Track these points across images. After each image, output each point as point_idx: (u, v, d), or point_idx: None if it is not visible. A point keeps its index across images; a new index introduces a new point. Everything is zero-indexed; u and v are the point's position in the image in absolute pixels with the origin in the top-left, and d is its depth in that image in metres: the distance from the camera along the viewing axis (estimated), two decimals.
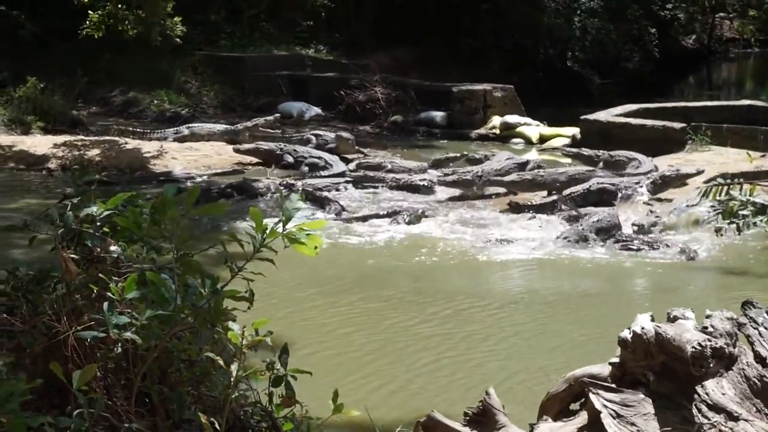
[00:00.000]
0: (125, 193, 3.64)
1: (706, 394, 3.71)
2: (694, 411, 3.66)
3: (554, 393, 4.20)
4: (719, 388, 3.75)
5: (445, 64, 27.83)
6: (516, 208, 13.67)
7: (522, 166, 15.59)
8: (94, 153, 17.09)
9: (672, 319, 3.92)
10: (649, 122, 18.52)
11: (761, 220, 6.34)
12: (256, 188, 14.46)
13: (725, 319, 3.92)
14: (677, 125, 18.03)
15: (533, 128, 20.78)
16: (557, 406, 4.17)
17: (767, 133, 17.58)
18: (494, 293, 10.30)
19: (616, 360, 3.89)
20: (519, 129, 20.86)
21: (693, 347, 3.55)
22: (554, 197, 13.96)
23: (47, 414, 2.91)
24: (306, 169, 16.37)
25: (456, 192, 14.80)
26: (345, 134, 18.65)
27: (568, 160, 17.44)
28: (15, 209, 13.44)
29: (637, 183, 14.36)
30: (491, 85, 22.30)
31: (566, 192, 14.11)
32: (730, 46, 46.42)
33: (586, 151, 17.08)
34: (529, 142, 20.39)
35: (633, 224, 12.44)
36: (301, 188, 13.88)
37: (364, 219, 13.08)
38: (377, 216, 13.21)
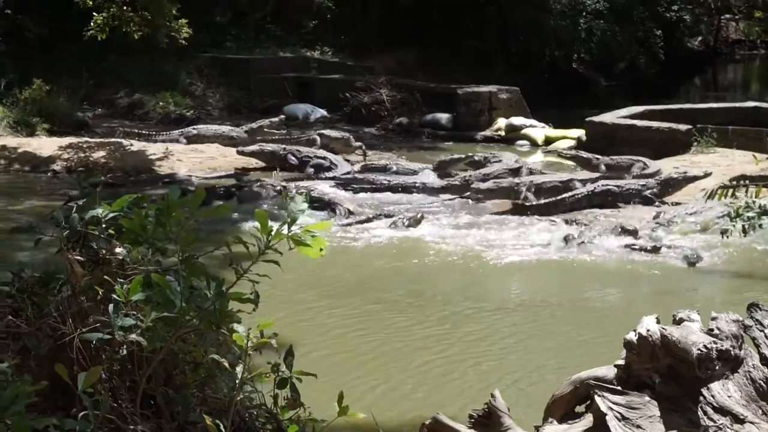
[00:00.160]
0: (131, 195, 3.64)
1: (712, 396, 3.70)
2: (700, 413, 3.65)
3: (559, 395, 4.19)
4: (725, 391, 3.74)
5: (450, 66, 27.83)
6: (517, 210, 13.65)
7: (515, 172, 15.39)
8: (99, 155, 17.11)
9: (677, 322, 3.91)
10: (654, 124, 18.49)
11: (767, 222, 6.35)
12: (255, 191, 14.38)
13: (731, 321, 3.91)
14: (683, 127, 18.01)
15: (538, 130, 20.77)
16: (562, 409, 4.17)
17: None
18: (493, 295, 10.28)
19: (621, 362, 3.89)
20: (524, 131, 20.85)
21: (699, 349, 3.54)
22: (554, 198, 13.94)
23: (52, 416, 2.91)
24: (311, 170, 16.36)
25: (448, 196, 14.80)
26: (334, 133, 18.65)
27: (570, 163, 17.40)
28: (20, 211, 13.46)
29: (644, 185, 14.33)
30: (496, 87, 22.32)
31: (567, 194, 14.09)
32: (736, 47, 46.39)
33: (584, 154, 17.01)
34: (534, 144, 20.38)
35: (638, 227, 12.39)
36: (305, 192, 13.82)
37: (366, 221, 13.11)
38: (370, 220, 13.22)
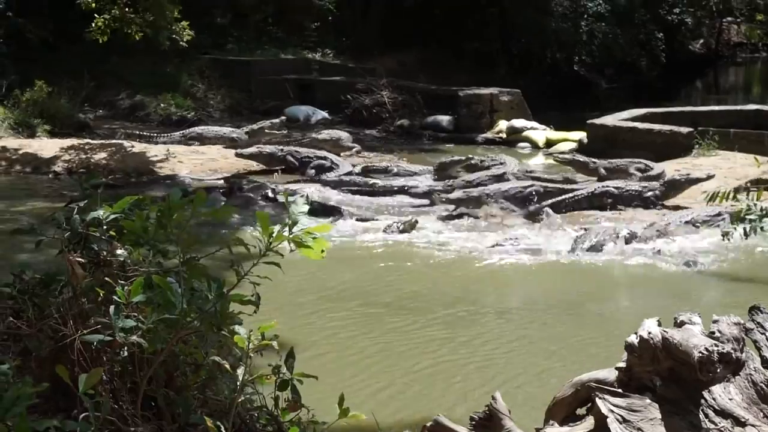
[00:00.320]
0: (132, 196, 3.64)
1: (713, 399, 3.70)
2: (701, 416, 3.65)
3: (560, 398, 4.19)
4: (726, 394, 3.74)
5: (451, 68, 27.84)
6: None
7: (498, 178, 15.14)
8: (100, 156, 17.12)
9: (679, 324, 3.91)
10: (656, 127, 18.48)
11: None
12: (246, 196, 14.33)
13: (732, 324, 3.90)
14: (684, 130, 18.01)
15: (540, 132, 20.76)
16: (564, 411, 4.16)
17: None
18: (492, 298, 10.24)
19: (622, 365, 3.88)
20: (525, 133, 20.85)
21: (700, 352, 3.54)
22: (558, 199, 13.94)
23: (53, 418, 2.91)
24: (312, 171, 16.34)
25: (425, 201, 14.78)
26: (322, 134, 18.68)
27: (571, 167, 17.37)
28: (21, 212, 13.47)
29: (645, 187, 14.31)
30: (498, 89, 22.31)
31: (567, 196, 14.07)
32: (738, 50, 46.37)
33: (581, 158, 16.94)
34: (535, 146, 20.37)
35: (636, 230, 12.33)
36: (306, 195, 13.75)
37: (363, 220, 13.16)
38: (365, 220, 13.29)
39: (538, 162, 18.73)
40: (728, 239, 7.34)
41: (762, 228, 6.56)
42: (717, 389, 3.72)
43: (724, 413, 3.66)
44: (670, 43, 36.06)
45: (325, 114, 23.14)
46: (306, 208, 3.30)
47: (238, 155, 17.16)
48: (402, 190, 15.18)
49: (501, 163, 16.26)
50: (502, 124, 21.36)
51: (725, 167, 16.00)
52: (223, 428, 3.20)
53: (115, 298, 3.19)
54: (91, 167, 16.19)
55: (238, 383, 3.34)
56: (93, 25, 18.00)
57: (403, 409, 7.08)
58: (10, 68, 21.81)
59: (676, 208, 13.83)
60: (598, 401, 3.74)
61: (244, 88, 24.85)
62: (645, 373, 3.78)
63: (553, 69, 30.81)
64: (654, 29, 34.91)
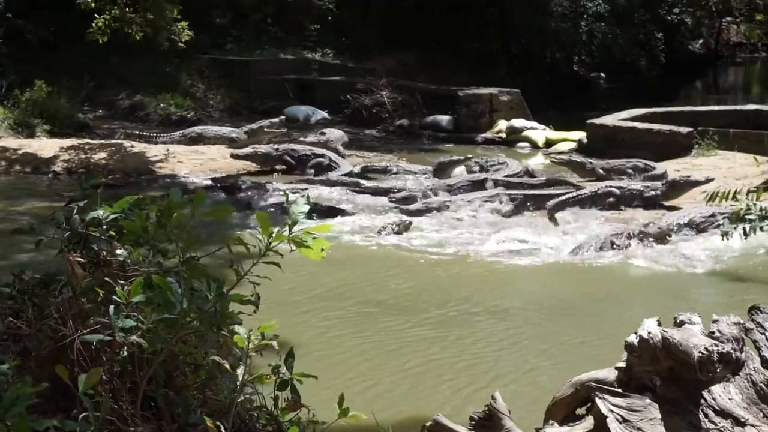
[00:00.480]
0: (131, 196, 3.64)
1: (713, 399, 3.70)
2: (701, 416, 3.65)
3: (560, 397, 4.18)
4: (726, 394, 3.74)
5: (451, 67, 27.83)
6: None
7: (479, 184, 15.00)
8: (100, 156, 17.12)
9: (679, 324, 3.90)
10: (655, 126, 18.49)
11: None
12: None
13: (732, 323, 3.90)
14: (684, 130, 18.01)
15: (539, 132, 20.76)
16: (563, 411, 4.16)
17: None
18: (488, 298, 10.18)
19: (622, 365, 3.88)
20: (525, 133, 20.85)
21: (700, 352, 3.54)
22: (562, 198, 13.94)
23: (53, 417, 2.91)
24: (312, 171, 16.29)
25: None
26: (311, 137, 18.51)
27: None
28: (21, 212, 13.47)
29: (647, 187, 14.31)
30: (497, 89, 22.31)
31: (570, 196, 14.08)
32: (737, 50, 46.38)
33: (577, 159, 16.92)
34: (535, 146, 20.37)
35: (641, 230, 12.32)
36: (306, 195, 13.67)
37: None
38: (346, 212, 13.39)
39: (537, 162, 18.71)
40: (727, 239, 7.34)
41: (761, 228, 6.56)
42: (717, 389, 3.72)
43: (723, 413, 3.66)
44: (670, 43, 36.06)
45: (324, 114, 23.13)
46: (306, 208, 3.30)
47: (233, 156, 17.03)
48: (386, 191, 15.05)
49: (500, 163, 16.25)
50: (502, 124, 21.35)
51: (725, 167, 16.00)
52: (222, 428, 3.20)
53: (115, 298, 3.18)
54: (90, 167, 16.18)
55: (237, 383, 3.34)
56: (93, 25, 17.99)
57: (403, 409, 7.07)
58: (9, 68, 21.81)
59: (673, 208, 13.78)
60: (598, 401, 3.74)
61: (243, 88, 24.85)
62: (645, 373, 3.78)
63: (552, 69, 30.83)
64: (653, 29, 34.92)
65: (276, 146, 17.17)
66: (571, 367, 6.73)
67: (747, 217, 6.59)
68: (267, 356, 3.51)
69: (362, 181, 15.64)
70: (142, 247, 3.48)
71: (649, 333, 3.73)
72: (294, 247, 3.25)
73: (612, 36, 32.46)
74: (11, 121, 19.09)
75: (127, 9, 18.08)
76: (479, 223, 13.16)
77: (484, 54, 29.37)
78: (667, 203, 14.13)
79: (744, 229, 6.61)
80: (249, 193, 14.45)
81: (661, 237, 11.97)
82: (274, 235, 3.24)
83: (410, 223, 12.84)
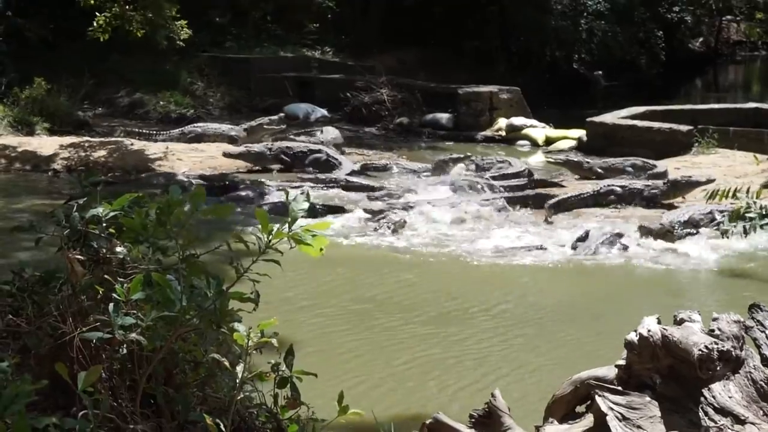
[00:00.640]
0: (131, 194, 3.64)
1: (713, 397, 3.70)
2: (701, 414, 3.64)
3: (560, 395, 4.18)
4: (726, 392, 3.74)
5: (451, 66, 27.82)
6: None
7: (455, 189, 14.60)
8: (99, 154, 17.11)
9: (679, 322, 3.90)
10: (655, 125, 18.49)
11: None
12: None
13: (732, 322, 3.90)
14: (684, 128, 18.01)
15: (539, 130, 20.75)
16: (563, 409, 4.16)
17: None
18: (486, 297, 10.18)
19: (622, 362, 3.88)
20: (525, 131, 20.83)
21: (700, 350, 3.54)
22: (564, 197, 13.94)
23: (52, 415, 2.91)
24: (310, 169, 16.20)
25: None
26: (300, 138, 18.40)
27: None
28: (21, 210, 13.47)
29: (648, 186, 14.31)
30: (497, 87, 22.29)
31: (573, 194, 14.10)
32: (737, 48, 46.35)
33: (574, 158, 16.91)
34: (535, 144, 20.37)
35: (641, 229, 12.30)
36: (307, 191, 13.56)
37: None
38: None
39: (537, 160, 18.69)
40: (727, 237, 7.35)
41: (761, 227, 6.56)
42: (717, 387, 3.72)
43: (723, 411, 3.66)
44: (670, 41, 36.05)
45: (324, 111, 23.10)
46: (306, 205, 3.30)
47: (225, 155, 16.86)
48: (369, 188, 15.01)
49: (500, 162, 16.21)
50: (502, 122, 21.34)
51: (724, 165, 16.00)
52: (222, 426, 3.20)
53: (115, 295, 3.18)
54: (90, 165, 16.16)
55: (237, 381, 3.33)
56: (95, 23, 17.96)
57: (403, 407, 7.08)
58: (9, 66, 21.80)
59: (673, 207, 13.76)
60: (598, 399, 3.74)
61: (243, 85, 24.82)
62: (645, 371, 3.78)
63: (552, 67, 30.80)
64: (653, 27, 34.90)
65: (270, 145, 17.09)
66: (571, 365, 6.72)
67: (747, 215, 6.59)
68: (267, 354, 3.50)
69: (352, 179, 15.56)
70: (142, 245, 3.47)
71: (649, 331, 3.73)
72: (294, 245, 3.24)
73: (612, 34, 32.43)
74: (11, 119, 19.08)
75: (126, 7, 18.05)
76: (479, 222, 13.15)
77: (484, 52, 29.35)
78: (667, 202, 14.12)
79: (744, 227, 6.61)
80: (243, 193, 14.34)
81: (663, 234, 11.96)
82: (273, 232, 3.24)
83: (405, 221, 12.82)
